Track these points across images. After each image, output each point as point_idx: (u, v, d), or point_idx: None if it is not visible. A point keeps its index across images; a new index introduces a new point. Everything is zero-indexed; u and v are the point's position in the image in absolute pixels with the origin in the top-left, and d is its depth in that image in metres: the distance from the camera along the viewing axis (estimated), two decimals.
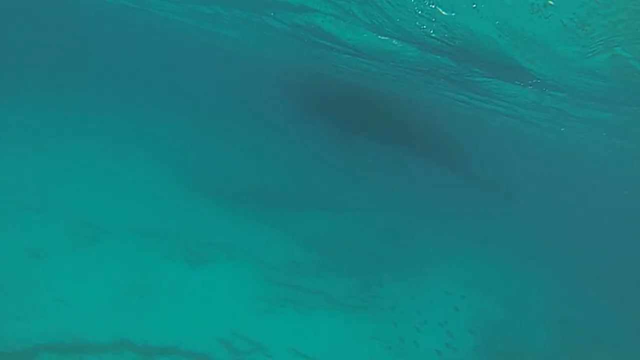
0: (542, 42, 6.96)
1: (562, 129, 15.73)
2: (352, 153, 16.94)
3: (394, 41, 10.20)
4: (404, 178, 19.19)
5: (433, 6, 6.96)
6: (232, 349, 7.00)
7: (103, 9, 25.31)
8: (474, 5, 6.34)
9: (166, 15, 18.21)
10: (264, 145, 20.81)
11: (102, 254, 8.69)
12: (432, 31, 8.28)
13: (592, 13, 5.40)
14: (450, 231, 15.82)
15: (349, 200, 16.28)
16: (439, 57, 10.33)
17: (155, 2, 15.96)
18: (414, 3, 7.11)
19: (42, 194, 10.40)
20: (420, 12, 7.45)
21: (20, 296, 7.05)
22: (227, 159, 17.44)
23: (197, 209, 12.05)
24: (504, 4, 5.96)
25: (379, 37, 10.25)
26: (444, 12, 7.09)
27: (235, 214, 12.35)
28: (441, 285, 11.35)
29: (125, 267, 8.47)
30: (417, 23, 8.06)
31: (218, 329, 7.36)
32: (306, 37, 13.03)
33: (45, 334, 6.40)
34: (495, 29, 7.05)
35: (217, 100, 32.54)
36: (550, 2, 5.46)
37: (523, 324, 10.67)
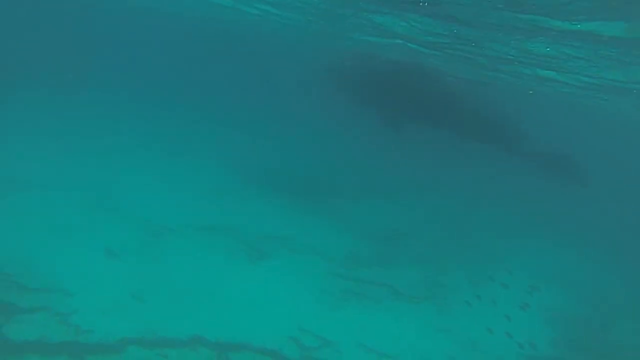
0: None
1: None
2: (405, 137, 16.28)
3: None
4: (461, 162, 18.26)
5: None
6: (301, 345, 6.99)
7: None
8: None
9: None
10: (314, 133, 20.70)
11: (168, 251, 9.04)
12: None
13: None
14: (512, 218, 14.84)
15: (403, 187, 15.78)
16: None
17: None
18: None
19: (109, 194, 10.99)
20: None
21: (101, 292, 7.50)
22: (277, 149, 17.53)
23: (252, 202, 12.21)
24: None
25: None
26: None
27: (290, 206, 12.37)
28: (504, 275, 10.66)
29: (191, 264, 8.74)
30: None
31: (285, 325, 7.38)
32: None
33: (128, 328, 6.74)
34: None
35: (262, 87, 32.84)
36: None
37: (599, 319, 9.75)
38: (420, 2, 8.14)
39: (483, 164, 16.90)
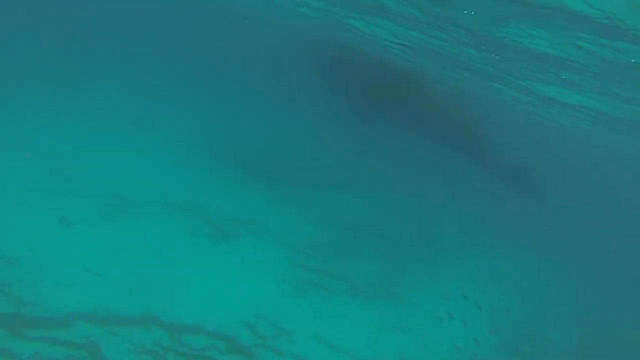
0: None
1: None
2: (378, 135, 16.43)
3: None
4: (430, 166, 18.71)
5: None
6: (257, 332, 7.05)
7: None
8: None
9: None
10: (288, 120, 20.45)
11: (128, 226, 8.75)
12: None
13: None
14: (470, 222, 15.49)
15: (369, 183, 16.00)
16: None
17: None
18: None
19: (71, 162, 10.43)
20: None
21: (53, 263, 7.17)
22: (249, 131, 17.21)
23: (219, 182, 11.98)
24: None
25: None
26: None
27: (256, 190, 12.25)
28: (459, 277, 11.19)
29: (151, 240, 8.52)
30: None
31: (242, 311, 7.40)
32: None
33: (79, 303, 6.52)
34: None
35: (241, 70, 31.95)
36: None
37: (541, 322, 10.50)
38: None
39: (451, 170, 17.42)
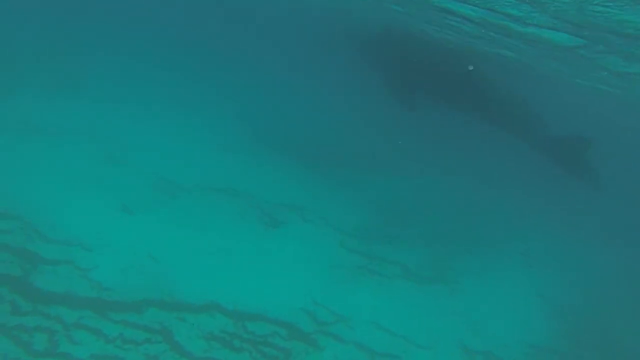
0: None
1: None
2: (420, 116, 15.78)
3: None
4: (478, 146, 17.86)
5: None
6: (316, 319, 7.13)
7: None
8: None
9: None
10: (331, 101, 20.12)
11: (182, 212, 9.01)
12: None
13: None
14: (523, 204, 14.75)
15: (416, 165, 15.54)
16: None
17: None
18: None
19: (122, 146, 10.80)
20: None
21: (119, 250, 7.54)
22: (293, 115, 17.09)
23: (266, 166, 12.04)
24: None
25: None
26: None
27: (304, 173, 12.23)
28: (512, 261, 10.74)
29: (205, 227, 8.74)
30: None
31: (300, 297, 7.49)
32: None
33: (147, 289, 6.84)
34: None
35: (281, 55, 31.61)
36: None
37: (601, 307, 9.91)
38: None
39: (501, 149, 16.50)
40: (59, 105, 11.95)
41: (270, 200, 10.31)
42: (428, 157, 16.46)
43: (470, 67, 15.49)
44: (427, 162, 15.98)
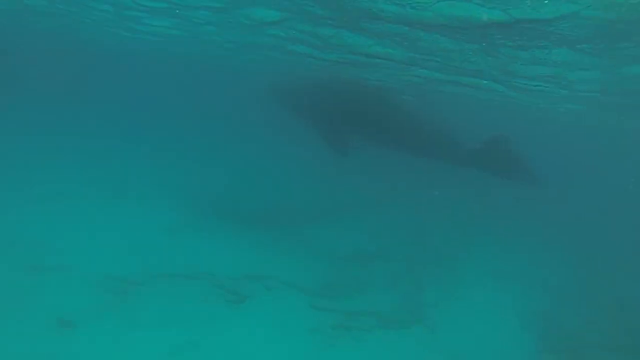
0: None
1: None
2: (354, 159, 16.52)
3: None
4: (411, 177, 19.13)
5: None
6: None
7: None
8: None
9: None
10: (258, 160, 20.23)
11: (137, 309, 8.08)
12: None
13: None
14: (474, 225, 15.86)
15: (363, 208, 16.06)
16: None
17: None
18: None
19: (51, 249, 9.58)
20: None
21: None
22: (231, 179, 16.79)
23: (215, 241, 11.48)
24: None
25: None
26: None
27: (256, 241, 11.87)
28: (479, 284, 11.35)
29: (167, 320, 7.92)
30: None
31: None
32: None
33: None
34: None
35: (190, 116, 31.43)
36: None
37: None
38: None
39: (438, 176, 17.76)
40: None
41: (230, 275, 9.76)
42: (374, 198, 17.12)
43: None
44: (374, 203, 16.60)
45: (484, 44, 9.56)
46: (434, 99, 20.13)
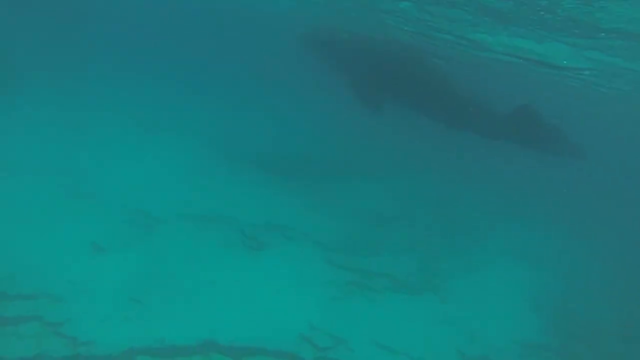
0: None
1: None
2: (388, 119, 15.95)
3: None
4: (443, 142, 18.42)
5: None
6: (315, 345, 6.94)
7: None
8: None
9: None
10: (294, 112, 19.95)
11: (160, 245, 8.48)
12: None
13: None
14: (498, 197, 15.39)
15: (389, 169, 15.78)
16: None
17: None
18: None
19: (86, 179, 10.03)
20: None
21: (94, 296, 6.93)
22: (258, 130, 16.73)
23: (241, 186, 11.67)
24: None
25: None
26: None
27: (280, 190, 11.98)
28: (496, 258, 11.16)
29: (187, 259, 8.28)
30: None
31: (296, 324, 7.27)
32: None
33: (133, 337, 6.32)
34: None
35: (237, 67, 30.94)
36: None
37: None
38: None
39: (468, 146, 17.10)
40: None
41: (251, 221, 9.98)
42: (400, 161, 16.77)
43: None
44: (400, 165, 16.27)
45: None
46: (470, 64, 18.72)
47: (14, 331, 6.05)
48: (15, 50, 17.02)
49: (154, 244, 8.35)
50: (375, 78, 15.33)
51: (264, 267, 8.55)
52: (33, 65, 16.52)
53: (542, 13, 9.19)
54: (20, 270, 6.95)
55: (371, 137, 18.11)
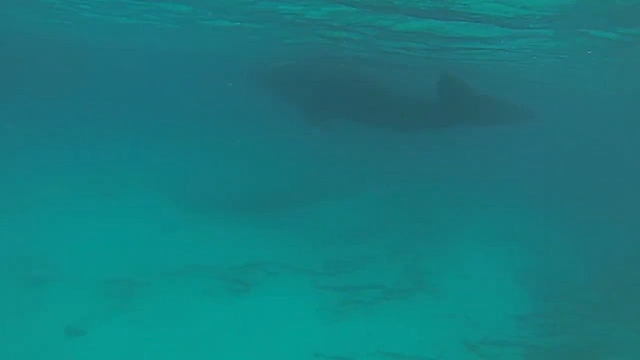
0: None
1: None
2: (337, 134, 16.34)
3: None
4: (393, 144, 19.14)
5: None
6: None
7: None
8: None
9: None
10: (250, 147, 20.01)
11: (145, 310, 8.07)
12: None
13: None
14: (466, 187, 16.05)
15: (352, 182, 16.15)
16: None
17: None
18: None
19: (48, 259, 9.41)
20: None
21: None
22: (215, 170, 16.62)
23: (212, 232, 11.47)
24: None
25: None
26: None
27: (252, 227, 11.91)
28: (477, 245, 11.65)
29: (176, 317, 7.95)
30: None
31: (301, 355, 7.14)
32: None
33: None
34: None
35: (175, 105, 30.67)
36: None
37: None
38: None
39: (419, 140, 17.71)
40: None
41: (231, 265, 9.80)
42: (361, 172, 17.20)
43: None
44: (362, 177, 16.69)
45: None
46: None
47: None
48: None
49: (136, 310, 7.94)
50: (319, 98, 15.76)
51: (255, 306, 8.39)
52: None
53: None
54: None
55: (328, 156, 18.51)
